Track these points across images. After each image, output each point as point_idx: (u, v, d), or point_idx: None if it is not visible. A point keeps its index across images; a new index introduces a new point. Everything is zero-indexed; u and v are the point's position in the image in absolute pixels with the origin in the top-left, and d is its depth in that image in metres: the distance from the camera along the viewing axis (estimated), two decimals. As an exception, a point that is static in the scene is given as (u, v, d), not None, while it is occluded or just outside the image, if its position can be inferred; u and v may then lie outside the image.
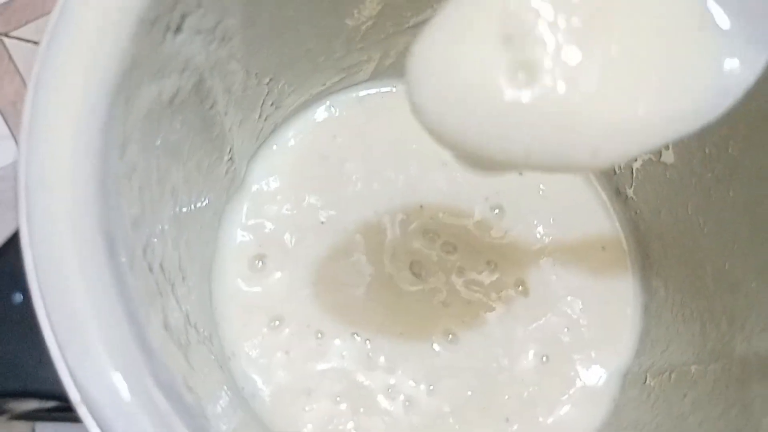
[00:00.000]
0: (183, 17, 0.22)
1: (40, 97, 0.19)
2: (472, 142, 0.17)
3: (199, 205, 0.27)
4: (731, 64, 0.17)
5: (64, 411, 0.23)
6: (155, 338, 0.18)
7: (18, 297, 0.19)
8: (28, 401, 0.19)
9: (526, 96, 0.16)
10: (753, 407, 0.23)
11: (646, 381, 0.30)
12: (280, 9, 0.26)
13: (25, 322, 0.18)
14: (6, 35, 0.58)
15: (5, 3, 0.59)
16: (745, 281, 0.26)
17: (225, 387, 0.27)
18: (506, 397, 0.31)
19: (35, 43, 0.58)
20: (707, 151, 0.28)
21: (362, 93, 0.34)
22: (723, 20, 0.17)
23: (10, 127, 0.56)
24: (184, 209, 0.26)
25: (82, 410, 0.16)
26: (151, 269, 0.22)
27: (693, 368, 0.27)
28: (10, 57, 0.58)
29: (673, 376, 0.28)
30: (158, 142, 0.23)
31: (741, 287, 0.26)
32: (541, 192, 0.34)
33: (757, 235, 0.26)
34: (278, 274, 0.31)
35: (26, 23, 0.59)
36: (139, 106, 0.21)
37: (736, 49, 0.17)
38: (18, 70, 0.57)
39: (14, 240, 0.21)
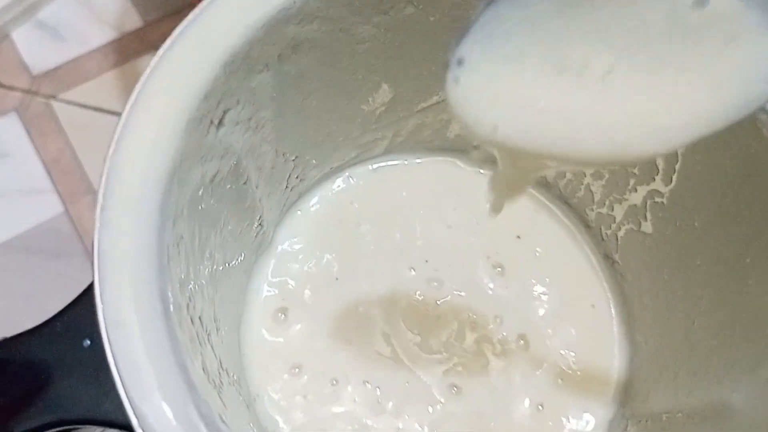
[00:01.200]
0: (225, 113, 0.28)
1: (110, 184, 0.24)
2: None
3: (231, 264, 0.33)
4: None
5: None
6: (197, 379, 0.23)
7: (86, 342, 0.24)
8: (92, 428, 0.24)
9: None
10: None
11: (627, 428, 0.34)
12: (305, 100, 0.32)
13: (92, 363, 0.23)
14: (53, 98, 0.65)
15: (53, 69, 0.65)
16: (706, 340, 0.30)
17: (251, 425, 0.32)
18: (503, 441, 0.35)
19: (79, 105, 0.64)
20: (677, 224, 0.33)
21: (377, 165, 0.39)
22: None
23: (53, 182, 0.63)
24: (220, 268, 0.31)
25: (140, 433, 0.21)
26: (192, 321, 0.27)
27: (664, 416, 0.31)
28: (55, 118, 0.64)
29: (648, 423, 0.32)
30: (200, 214, 0.28)
31: (702, 345, 0.31)
32: (537, 254, 0.38)
33: (717, 300, 0.30)
34: (298, 326, 0.35)
35: (71, 87, 0.65)
36: (187, 186, 0.26)
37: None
38: (62, 130, 0.64)
39: (84, 295, 0.26)
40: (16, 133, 0.63)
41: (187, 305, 0.26)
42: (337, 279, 0.36)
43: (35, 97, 0.65)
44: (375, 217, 0.38)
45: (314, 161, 0.36)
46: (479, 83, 0.20)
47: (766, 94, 0.19)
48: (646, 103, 0.19)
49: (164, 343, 0.22)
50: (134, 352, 0.22)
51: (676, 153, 0.31)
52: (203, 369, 0.26)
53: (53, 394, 0.24)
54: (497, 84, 0.19)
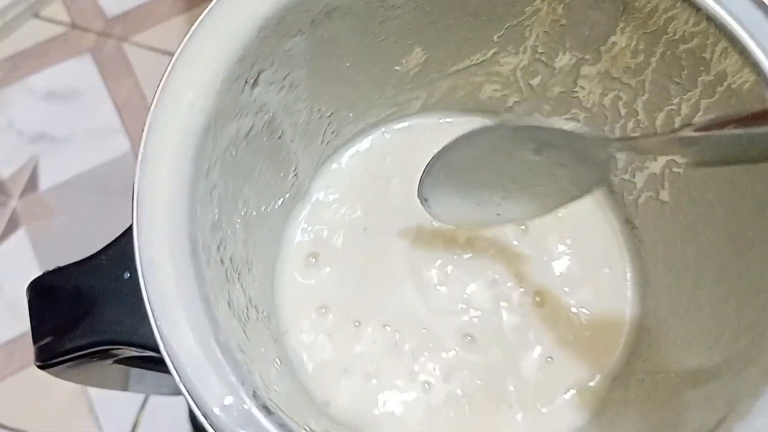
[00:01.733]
0: (259, 73, 0.30)
1: (150, 137, 0.27)
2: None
3: (265, 211, 0.36)
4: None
5: (151, 362, 0.32)
6: (220, 314, 0.27)
7: (127, 275, 0.28)
8: (130, 349, 0.28)
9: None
10: (687, 409, 0.29)
11: (628, 385, 0.36)
12: (339, 62, 0.34)
13: (131, 293, 0.27)
14: (125, 40, 0.69)
15: (124, 13, 0.69)
16: (705, 310, 0.32)
17: (277, 359, 0.35)
18: (512, 388, 0.37)
19: (148, 48, 0.68)
20: (691, 194, 0.34)
21: (411, 123, 0.41)
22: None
23: (124, 122, 0.67)
24: (254, 214, 0.34)
25: (165, 356, 0.25)
26: (222, 262, 0.30)
27: (660, 375, 0.33)
28: (127, 60, 0.68)
29: (646, 380, 0.34)
30: (234, 166, 0.31)
31: (702, 315, 0.32)
32: (560, 215, 0.40)
33: (720, 272, 0.32)
34: (327, 270, 0.38)
35: (142, 31, 0.69)
36: (222, 140, 0.29)
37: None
38: (133, 72, 0.68)
39: (125, 233, 0.30)
40: (90, 74, 0.68)
41: (218, 247, 0.30)
42: (365, 229, 0.39)
43: (108, 39, 0.69)
44: (405, 173, 0.40)
45: (350, 117, 0.38)
46: (440, 210, 0.35)
47: (589, 188, 0.31)
48: (523, 207, 0.34)
49: (191, 282, 0.26)
50: (165, 288, 0.25)
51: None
52: (229, 305, 0.29)
53: (97, 318, 0.27)
54: (450, 210, 0.35)
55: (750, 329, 0.28)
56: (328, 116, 0.37)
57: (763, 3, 0.29)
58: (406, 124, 0.41)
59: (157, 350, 0.25)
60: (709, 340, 0.31)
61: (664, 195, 0.36)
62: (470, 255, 0.39)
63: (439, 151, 0.32)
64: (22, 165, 0.63)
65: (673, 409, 0.30)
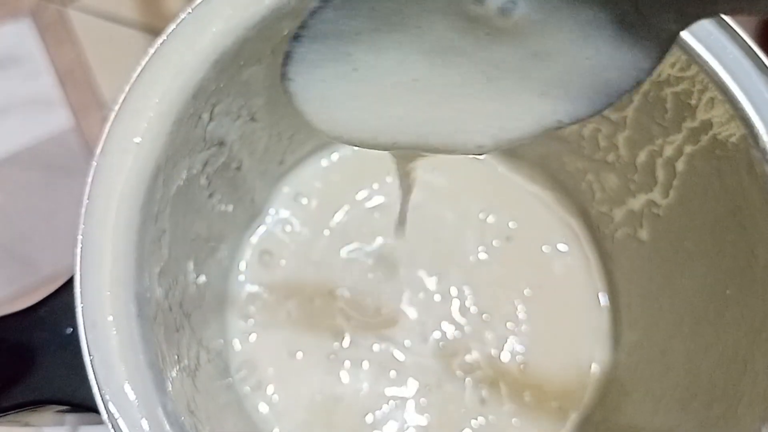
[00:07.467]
0: (214, 106, 0.31)
1: (95, 187, 0.27)
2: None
3: (218, 242, 0.36)
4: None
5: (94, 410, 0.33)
6: (168, 376, 0.27)
7: (68, 330, 0.28)
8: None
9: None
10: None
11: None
12: (301, 86, 0.35)
13: (72, 350, 0.27)
14: (68, 3, 0.67)
15: (68, -23, 0.68)
16: (677, 367, 0.34)
17: (230, 403, 0.36)
18: None
19: (94, 13, 0.67)
20: (670, 239, 0.35)
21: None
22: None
23: (66, 94, 0.66)
24: (207, 247, 0.35)
25: (109, 428, 0.25)
26: (171, 309, 0.31)
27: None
28: (70, 26, 0.67)
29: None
30: (186, 204, 0.31)
31: (673, 371, 0.34)
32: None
33: (695, 326, 0.33)
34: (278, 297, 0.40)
35: (87, -6, 0.68)
36: (173, 182, 0.30)
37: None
38: (77, 40, 0.67)
39: (68, 284, 0.30)
40: (30, 39, 0.67)
41: (167, 294, 0.30)
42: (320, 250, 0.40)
43: (50, 2, 0.67)
44: (357, 187, 0.42)
45: (310, 136, 0.39)
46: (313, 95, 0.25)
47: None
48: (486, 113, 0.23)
49: (137, 345, 0.26)
50: (109, 353, 0.26)
51: (674, 169, 0.34)
52: (178, 357, 0.30)
53: (37, 376, 0.28)
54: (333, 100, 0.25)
55: (724, 397, 0.30)
56: (288, 137, 0.37)
57: (756, 55, 0.30)
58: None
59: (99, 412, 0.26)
60: (682, 400, 0.32)
61: (643, 234, 0.37)
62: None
63: None
64: (-44, 140, 0.62)
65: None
